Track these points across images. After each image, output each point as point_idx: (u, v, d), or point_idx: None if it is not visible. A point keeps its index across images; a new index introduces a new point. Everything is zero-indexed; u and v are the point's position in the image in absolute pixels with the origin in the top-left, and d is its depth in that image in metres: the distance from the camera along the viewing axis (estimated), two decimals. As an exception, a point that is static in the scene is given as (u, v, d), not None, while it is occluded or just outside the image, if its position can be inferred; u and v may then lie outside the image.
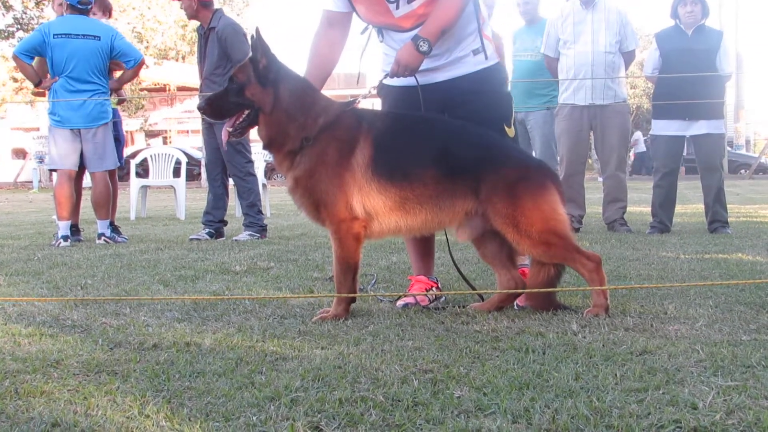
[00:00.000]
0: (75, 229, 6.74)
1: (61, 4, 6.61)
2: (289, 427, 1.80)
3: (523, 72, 7.45)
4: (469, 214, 3.10)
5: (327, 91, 3.42)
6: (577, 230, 6.55)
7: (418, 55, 3.21)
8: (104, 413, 1.91)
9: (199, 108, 3.20)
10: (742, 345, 2.49)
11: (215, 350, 2.55)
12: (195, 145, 28.65)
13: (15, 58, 6.56)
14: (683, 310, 3.09)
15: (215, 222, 6.82)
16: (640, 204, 10.74)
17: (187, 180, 10.98)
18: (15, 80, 27.26)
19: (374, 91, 3.52)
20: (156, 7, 31.45)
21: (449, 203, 3.07)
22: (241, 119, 3.13)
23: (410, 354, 2.45)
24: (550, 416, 1.83)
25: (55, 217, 7.15)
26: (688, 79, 6.42)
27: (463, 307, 3.27)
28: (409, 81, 3.35)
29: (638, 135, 28.24)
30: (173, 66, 34.51)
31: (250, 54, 3.10)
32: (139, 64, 6.69)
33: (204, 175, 8.25)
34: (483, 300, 3.36)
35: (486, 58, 3.41)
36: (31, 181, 26.78)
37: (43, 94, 6.74)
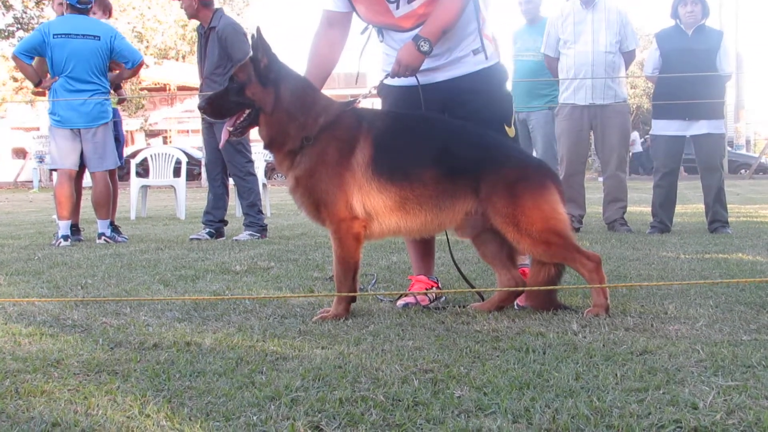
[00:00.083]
0: (75, 229, 6.75)
1: (61, 4, 6.61)
2: (289, 426, 1.80)
3: (524, 72, 7.44)
4: (470, 213, 3.10)
5: (327, 91, 3.42)
6: (577, 230, 6.55)
7: (418, 55, 3.21)
8: (105, 413, 1.91)
9: (200, 107, 3.20)
10: (742, 345, 2.49)
11: (215, 350, 2.55)
12: (195, 144, 28.64)
13: (15, 58, 6.56)
14: (683, 310, 3.09)
15: (215, 222, 6.82)
16: (640, 204, 10.74)
17: (187, 180, 10.98)
18: (15, 80, 27.27)
19: (375, 91, 3.52)
20: (156, 6, 31.45)
21: (449, 203, 3.07)
22: (241, 119, 3.13)
23: (410, 354, 2.45)
24: (551, 416, 1.83)
25: (55, 216, 7.15)
26: (688, 79, 6.42)
27: (464, 306, 3.27)
28: (409, 81, 3.35)
29: (635, 135, 28.24)
30: (173, 66, 34.50)
31: (251, 53, 3.10)
32: (138, 66, 6.71)
33: (204, 175, 8.24)
34: (483, 300, 3.36)
35: (486, 58, 3.41)
36: (32, 181, 26.77)
37: (43, 94, 6.74)
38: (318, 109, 3.11)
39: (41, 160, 24.89)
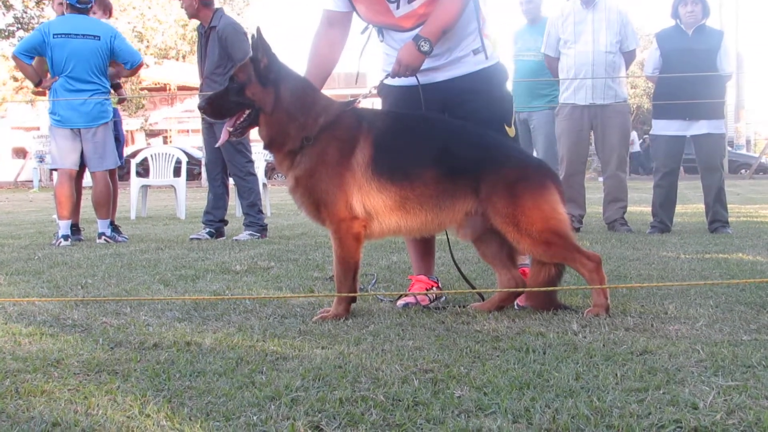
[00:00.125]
0: (75, 229, 6.75)
1: (61, 4, 6.61)
2: (289, 426, 1.80)
3: (526, 72, 7.44)
4: (470, 213, 3.10)
5: (327, 91, 3.42)
6: (577, 230, 6.55)
7: (419, 54, 3.21)
8: (105, 413, 1.91)
9: (200, 107, 3.20)
10: (742, 345, 2.49)
11: (216, 350, 2.55)
12: (195, 144, 28.64)
13: (15, 58, 6.56)
14: (684, 310, 3.09)
15: (215, 221, 6.82)
16: (640, 204, 10.74)
17: (187, 179, 10.97)
18: (15, 79, 27.27)
19: (375, 91, 3.52)
20: (156, 6, 31.45)
21: (449, 203, 3.07)
22: (241, 119, 3.13)
23: (411, 354, 2.45)
24: (551, 416, 1.83)
25: (55, 216, 7.15)
26: (688, 78, 6.41)
27: (464, 306, 3.27)
28: (409, 81, 3.35)
29: (633, 135, 28.27)
30: (173, 65, 34.49)
31: (251, 53, 3.10)
32: (137, 67, 6.72)
33: (204, 175, 8.24)
34: (483, 300, 3.36)
35: (486, 57, 3.41)
36: (32, 181, 26.77)
37: (43, 94, 6.74)
38: (318, 109, 3.11)
39: (41, 159, 24.90)
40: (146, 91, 33.58)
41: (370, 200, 3.05)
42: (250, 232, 6.66)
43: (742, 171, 29.36)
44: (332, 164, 3.06)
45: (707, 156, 6.72)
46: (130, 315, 3.19)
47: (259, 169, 9.64)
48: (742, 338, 2.59)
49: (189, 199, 11.52)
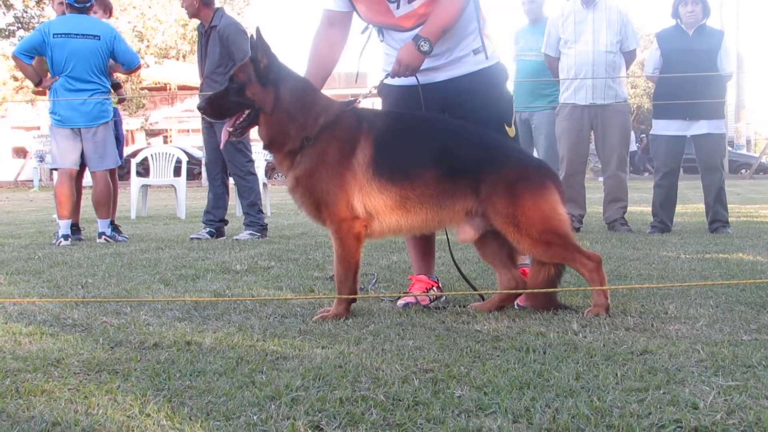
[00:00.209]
0: (75, 228, 6.75)
1: (61, 3, 6.61)
2: (289, 426, 1.80)
3: (527, 72, 7.43)
4: (470, 213, 3.10)
5: (327, 91, 3.42)
6: (577, 230, 6.55)
7: (419, 54, 3.21)
8: (105, 412, 1.91)
9: (200, 108, 3.20)
10: (742, 345, 2.49)
11: (216, 349, 2.55)
12: (196, 144, 28.64)
13: (14, 58, 6.56)
14: (684, 310, 3.09)
15: (216, 221, 6.82)
16: (640, 204, 10.74)
17: (187, 179, 10.97)
18: (15, 79, 27.28)
19: (375, 91, 3.52)
20: (157, 6, 31.43)
21: (449, 203, 3.07)
22: (241, 119, 3.13)
23: (411, 353, 2.45)
24: (551, 416, 1.83)
25: (55, 216, 7.15)
26: (689, 78, 6.41)
27: (464, 306, 3.27)
28: (409, 80, 3.35)
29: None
30: (174, 65, 34.50)
31: (251, 53, 3.10)
32: (134, 69, 6.76)
33: (204, 175, 8.23)
34: (483, 299, 3.36)
35: (486, 57, 3.41)
36: (32, 180, 26.77)
37: (43, 93, 6.74)
38: (318, 109, 3.11)
39: (41, 159, 24.90)
40: (146, 91, 33.58)
41: (370, 200, 3.05)
42: (251, 231, 6.67)
43: (743, 171, 29.36)
44: (333, 164, 3.06)
45: (707, 156, 6.72)
46: (130, 314, 3.19)
47: (260, 168, 9.64)
48: (742, 338, 2.59)
49: (189, 199, 11.52)
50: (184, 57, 35.74)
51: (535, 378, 2.14)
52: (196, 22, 6.97)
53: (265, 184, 10.14)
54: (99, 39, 6.39)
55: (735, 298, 3.33)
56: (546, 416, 1.83)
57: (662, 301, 3.29)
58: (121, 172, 10.74)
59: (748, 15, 45.18)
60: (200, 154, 15.65)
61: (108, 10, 7.10)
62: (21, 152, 38.09)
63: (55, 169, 6.68)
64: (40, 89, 6.70)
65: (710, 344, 2.49)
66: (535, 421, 1.81)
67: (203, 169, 8.35)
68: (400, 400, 1.97)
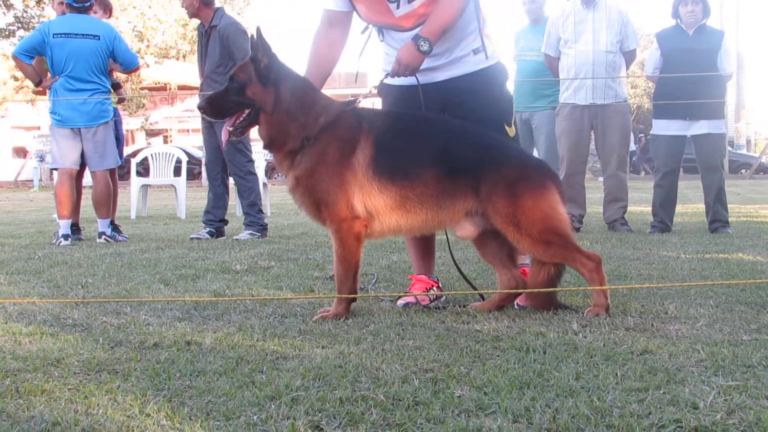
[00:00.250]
0: (75, 228, 6.75)
1: (61, 3, 6.61)
2: (289, 426, 1.80)
3: (528, 72, 7.42)
4: (470, 213, 3.10)
5: (327, 91, 3.42)
6: (577, 230, 6.54)
7: (418, 54, 3.21)
8: (105, 412, 1.91)
9: (200, 107, 3.20)
10: (742, 345, 2.49)
11: (216, 349, 2.55)
12: (196, 144, 28.63)
13: (14, 58, 6.56)
14: (684, 310, 3.09)
15: (216, 221, 6.82)
16: (640, 204, 10.74)
17: (187, 179, 10.97)
18: (16, 79, 27.27)
19: (375, 91, 3.52)
20: (157, 5, 31.41)
21: (450, 202, 3.07)
22: (241, 119, 3.13)
23: (411, 353, 2.45)
24: (551, 416, 1.83)
25: (55, 215, 7.16)
26: (689, 78, 6.41)
27: (464, 306, 3.27)
28: (409, 80, 3.35)
29: None
30: (174, 65, 34.49)
31: (251, 53, 3.10)
32: (132, 70, 6.79)
33: (204, 174, 8.23)
34: (483, 299, 3.36)
35: (486, 57, 3.41)
36: (32, 180, 26.76)
37: (43, 93, 6.75)
38: (318, 109, 3.11)
39: (42, 159, 24.88)
40: (146, 91, 33.58)
41: (370, 200, 3.05)
42: (251, 231, 6.67)
43: (743, 171, 29.36)
44: (333, 164, 3.06)
45: (707, 156, 6.72)
46: (130, 314, 3.19)
47: (260, 168, 9.64)
48: (742, 338, 2.59)
49: (189, 199, 11.52)
50: (184, 57, 35.74)
51: (535, 378, 2.14)
52: (196, 21, 6.97)
53: (265, 184, 10.14)
54: (99, 39, 6.39)
55: (735, 298, 3.33)
56: (546, 416, 1.83)
57: (662, 301, 3.29)
58: (121, 172, 10.74)
59: (748, 15, 45.13)
60: (200, 154, 15.65)
61: (108, 10, 7.11)
62: (21, 152, 38.08)
63: (55, 169, 6.69)
64: (40, 89, 6.70)
65: (710, 344, 2.49)
66: (535, 421, 1.81)
67: (203, 169, 8.34)
68: (400, 400, 1.97)
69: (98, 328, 2.93)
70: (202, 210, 7.12)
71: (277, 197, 13.94)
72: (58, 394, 2.07)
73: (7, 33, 25.97)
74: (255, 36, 3.06)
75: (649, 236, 6.30)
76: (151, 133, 39.46)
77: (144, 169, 11.63)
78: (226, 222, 6.95)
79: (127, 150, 14.64)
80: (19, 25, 25.94)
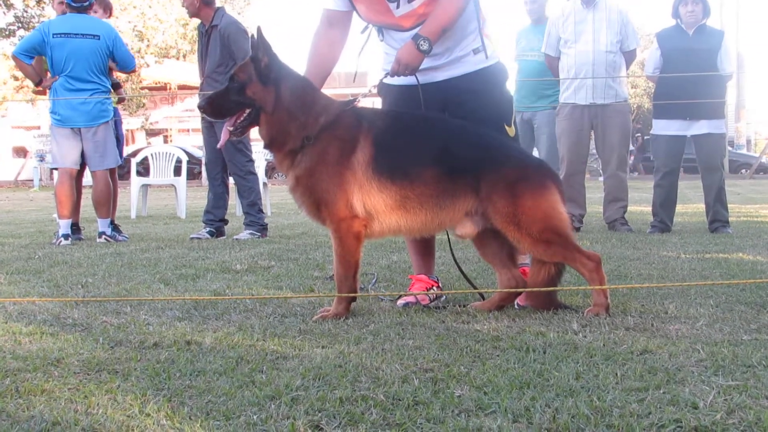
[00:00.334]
0: (75, 228, 6.75)
1: (61, 2, 6.61)
2: (289, 425, 1.80)
3: (529, 72, 7.41)
4: (470, 213, 3.10)
5: (327, 90, 3.42)
6: (577, 229, 6.54)
7: (418, 54, 3.21)
8: (105, 412, 1.91)
9: (200, 107, 3.20)
10: (742, 344, 2.49)
11: (216, 349, 2.55)
12: (196, 143, 28.63)
13: (14, 58, 6.56)
14: (684, 310, 3.09)
15: (216, 221, 6.82)
16: (640, 203, 10.74)
17: (187, 179, 10.97)
18: (16, 78, 27.27)
19: (375, 90, 3.52)
20: (157, 5, 31.42)
21: (450, 202, 3.07)
22: (242, 118, 3.13)
23: (411, 353, 2.45)
24: (551, 415, 1.83)
25: (55, 215, 7.16)
26: (689, 78, 6.41)
27: (464, 306, 3.27)
28: (409, 80, 3.35)
29: None
30: (174, 64, 34.50)
31: (251, 52, 3.10)
32: (129, 71, 6.88)
33: (204, 174, 8.23)
34: (484, 299, 3.36)
35: (486, 57, 3.41)
36: (32, 180, 26.76)
37: (43, 93, 6.75)
38: (318, 109, 3.11)
39: (42, 158, 24.88)
40: (146, 90, 33.58)
41: (370, 199, 3.05)
42: (251, 231, 6.67)
43: (743, 171, 29.37)
44: (333, 163, 3.06)
45: (708, 156, 6.72)
46: (130, 314, 3.19)
47: (260, 168, 9.64)
48: (742, 338, 2.59)
49: (189, 199, 11.52)
50: (184, 56, 35.75)
51: (535, 378, 2.14)
52: (196, 21, 6.97)
53: (265, 184, 10.14)
54: (99, 39, 6.39)
55: (735, 297, 3.33)
56: (546, 416, 1.83)
57: (662, 300, 3.29)
58: (122, 172, 10.74)
59: (748, 15, 45.15)
60: (200, 153, 15.65)
61: (108, 10, 7.11)
62: (21, 152, 38.09)
63: (56, 169, 6.69)
64: (41, 89, 6.71)
65: (710, 344, 2.49)
66: (535, 420, 1.81)
67: (203, 168, 8.34)
68: (400, 400, 1.97)
69: (98, 327, 2.93)
70: (202, 210, 7.12)
71: (278, 197, 13.94)
72: (58, 393, 2.07)
73: (7, 33, 25.98)
74: (255, 36, 3.06)
75: (649, 236, 6.30)
76: (151, 133, 39.46)
77: (144, 169, 11.63)
78: (226, 222, 6.95)
79: (127, 150, 14.65)
80: (20, 24, 25.95)
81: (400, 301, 3.37)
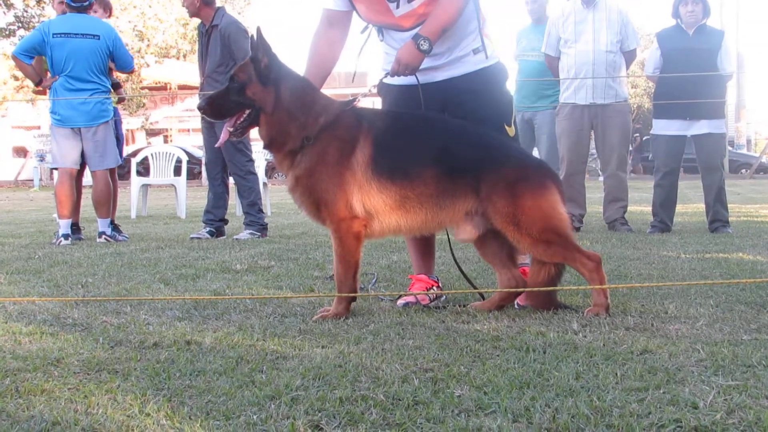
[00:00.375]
0: (75, 228, 6.75)
1: (61, 2, 6.61)
2: (289, 425, 1.80)
3: (530, 72, 7.41)
4: (470, 213, 3.10)
5: (327, 90, 3.41)
6: (577, 229, 6.54)
7: (418, 53, 3.21)
8: (105, 412, 1.91)
9: (200, 108, 3.20)
10: (742, 344, 2.49)
11: (216, 349, 2.55)
12: (196, 143, 28.63)
13: (14, 58, 6.56)
14: (684, 310, 3.08)
15: (216, 221, 6.82)
16: (640, 203, 10.74)
17: (187, 179, 10.97)
18: (16, 78, 27.27)
19: (375, 90, 3.52)
20: (157, 5, 31.41)
21: (449, 202, 3.07)
22: (241, 119, 3.13)
23: (411, 353, 2.45)
24: (551, 415, 1.83)
25: (55, 215, 7.16)
26: (689, 78, 6.41)
27: (464, 306, 3.27)
28: (409, 80, 3.35)
29: None
30: (174, 64, 34.49)
31: (251, 53, 3.10)
32: (128, 72, 6.95)
33: (205, 174, 8.23)
34: (483, 299, 3.36)
35: (486, 57, 3.41)
36: (32, 180, 26.77)
37: (44, 93, 6.75)
38: (318, 109, 3.11)
39: (42, 158, 24.89)
40: (147, 90, 33.58)
41: (370, 200, 3.05)
42: (251, 231, 6.67)
43: (743, 171, 29.37)
44: (333, 164, 3.06)
45: (708, 156, 6.72)
46: (130, 314, 3.19)
47: (260, 168, 9.64)
48: (742, 338, 2.59)
49: (189, 198, 11.53)
50: (184, 56, 35.74)
51: (535, 377, 2.14)
52: (196, 21, 6.97)
53: (265, 184, 10.14)
54: (99, 39, 6.39)
55: (735, 297, 3.33)
56: (546, 416, 1.83)
57: (662, 300, 3.29)
58: (122, 172, 10.74)
59: (748, 15, 45.22)
60: (200, 153, 15.66)
61: (108, 10, 7.11)
62: (21, 152, 38.09)
63: (56, 169, 6.69)
64: (41, 89, 6.71)
65: (710, 344, 2.49)
66: (534, 420, 1.81)
67: (203, 168, 8.34)
68: (399, 400, 1.97)
69: (98, 327, 2.93)
70: (202, 210, 7.12)
71: (278, 197, 13.94)
72: (58, 393, 2.07)
73: (7, 32, 25.99)
74: (255, 36, 3.05)
75: (649, 236, 6.30)
76: (151, 133, 39.46)
77: (144, 169, 11.63)
78: (226, 221, 6.95)
79: (127, 149, 14.66)
80: (20, 24, 25.95)
81: (400, 301, 3.37)
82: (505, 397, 1.95)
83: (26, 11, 26.27)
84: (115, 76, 6.96)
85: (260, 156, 10.17)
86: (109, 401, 2.00)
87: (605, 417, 1.82)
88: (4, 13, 26.20)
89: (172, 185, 10.68)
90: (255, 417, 1.86)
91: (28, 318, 3.12)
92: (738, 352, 2.37)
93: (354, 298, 3.18)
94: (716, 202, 6.65)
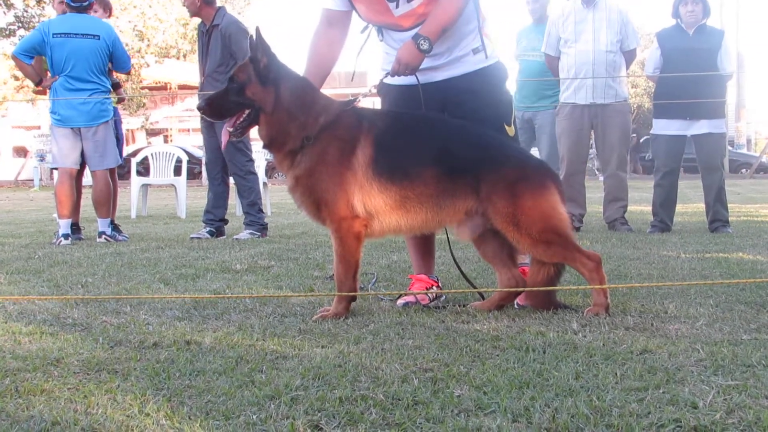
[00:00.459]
0: (75, 228, 6.75)
1: (61, 2, 6.61)
2: (289, 425, 1.80)
3: (531, 72, 7.40)
4: (470, 213, 3.10)
5: (327, 90, 3.41)
6: (577, 229, 6.54)
7: (418, 53, 3.21)
8: (104, 412, 1.91)
9: (199, 108, 3.20)
10: (742, 344, 2.49)
11: (215, 349, 2.55)
12: (196, 143, 28.63)
13: (14, 58, 6.56)
14: (684, 310, 3.08)
15: (216, 221, 6.82)
16: (640, 203, 10.74)
17: (187, 178, 10.97)
18: (16, 78, 27.28)
19: (374, 90, 3.52)
20: (157, 5, 31.42)
21: (450, 202, 3.07)
22: (241, 119, 3.13)
23: (410, 353, 2.45)
24: (550, 415, 1.83)
25: (55, 215, 7.16)
26: (689, 78, 6.41)
27: (464, 305, 3.27)
28: (409, 80, 3.35)
29: None
30: (174, 64, 34.50)
31: (250, 53, 3.10)
32: (125, 73, 6.96)
33: (205, 174, 8.24)
34: (483, 299, 3.36)
35: (486, 57, 3.41)
36: (32, 180, 26.76)
37: (44, 93, 6.75)
38: (318, 109, 3.11)
39: (42, 158, 24.88)
40: (147, 90, 33.58)
41: (370, 199, 3.05)
42: (251, 231, 6.67)
43: (743, 170, 29.36)
44: (333, 163, 3.06)
45: (708, 155, 6.72)
46: (130, 314, 3.19)
47: (260, 168, 9.64)
48: (742, 337, 2.59)
49: (189, 198, 11.52)
50: (184, 56, 35.75)
51: (535, 377, 2.14)
52: (196, 21, 6.98)
53: (265, 184, 10.14)
54: (98, 39, 6.39)
55: (735, 297, 3.33)
56: (545, 416, 1.83)
57: (662, 300, 3.29)
58: (122, 172, 10.74)
59: (748, 15, 45.20)
60: (200, 153, 15.67)
61: (108, 9, 7.11)
62: (21, 151, 38.08)
63: (56, 169, 6.69)
64: (41, 89, 6.71)
65: (710, 344, 2.49)
66: (534, 420, 1.81)
67: (203, 168, 8.35)
68: (399, 400, 1.97)
69: (98, 327, 2.93)
70: (202, 209, 7.12)
71: (277, 197, 13.94)
72: (58, 393, 2.07)
73: (7, 32, 25.99)
74: (254, 36, 3.06)
75: (649, 236, 6.30)
76: (151, 133, 39.46)
77: (144, 169, 11.63)
78: (226, 221, 6.95)
79: (127, 149, 14.66)
80: (20, 24, 25.95)
81: (400, 301, 3.37)
82: (504, 397, 1.96)
83: (26, 11, 26.28)
84: (115, 76, 6.96)
85: (260, 156, 10.16)
86: (108, 401, 2.00)
87: (605, 417, 1.82)
88: (4, 13, 26.22)
89: (172, 185, 10.68)
90: (255, 417, 1.86)
91: (27, 318, 3.12)
92: (738, 351, 2.37)
93: (354, 298, 3.18)
94: (716, 202, 6.65)
